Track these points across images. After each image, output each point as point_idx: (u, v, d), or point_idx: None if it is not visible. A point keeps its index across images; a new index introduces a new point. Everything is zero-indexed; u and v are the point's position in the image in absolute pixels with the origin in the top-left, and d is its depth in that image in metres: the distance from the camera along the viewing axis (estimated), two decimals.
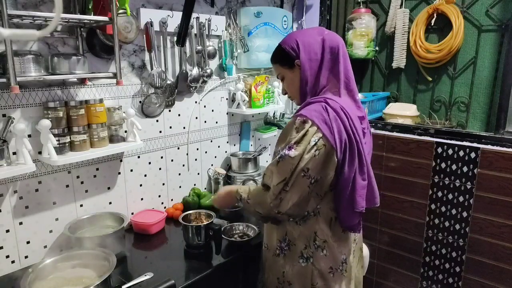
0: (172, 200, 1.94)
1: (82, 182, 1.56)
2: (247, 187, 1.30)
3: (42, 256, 1.46)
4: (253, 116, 2.29)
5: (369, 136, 1.31)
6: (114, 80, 1.39)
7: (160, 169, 1.85)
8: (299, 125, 1.13)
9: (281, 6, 2.29)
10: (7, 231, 1.37)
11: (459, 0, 2.17)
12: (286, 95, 1.35)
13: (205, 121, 2.02)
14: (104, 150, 1.48)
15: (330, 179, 1.15)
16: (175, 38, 1.73)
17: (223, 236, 1.58)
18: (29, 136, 1.37)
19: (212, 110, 2.05)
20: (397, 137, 2.10)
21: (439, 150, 1.96)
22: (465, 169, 1.89)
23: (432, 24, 2.23)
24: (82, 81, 1.49)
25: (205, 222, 1.57)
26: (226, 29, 2.00)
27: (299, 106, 1.25)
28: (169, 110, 1.84)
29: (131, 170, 1.73)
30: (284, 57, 1.25)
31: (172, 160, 1.90)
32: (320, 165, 1.11)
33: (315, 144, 1.09)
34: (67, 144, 1.40)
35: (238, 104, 2.08)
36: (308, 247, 1.23)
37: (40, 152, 1.38)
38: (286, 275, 1.27)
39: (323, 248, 1.22)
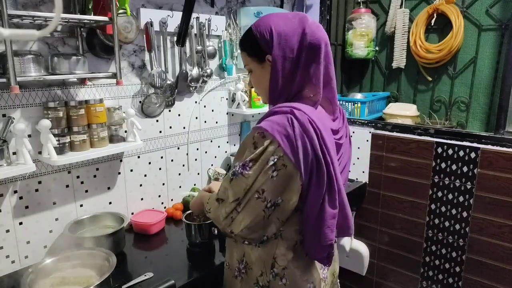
0: (172, 200, 1.94)
1: (82, 182, 1.56)
2: (213, 194, 1.10)
3: (42, 256, 1.46)
4: (253, 116, 2.29)
5: (348, 144, 1.14)
6: (114, 80, 1.39)
7: (160, 169, 1.85)
8: (258, 139, 0.95)
9: (281, 6, 2.29)
10: (7, 231, 1.37)
11: (459, 0, 2.17)
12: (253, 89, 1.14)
13: (205, 121, 2.02)
14: (104, 150, 1.48)
15: (294, 204, 0.97)
16: (175, 38, 1.73)
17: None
18: (29, 136, 1.37)
19: (212, 110, 2.05)
20: (397, 137, 2.10)
21: (439, 150, 1.96)
22: (465, 169, 1.89)
23: (432, 24, 2.24)
24: (82, 81, 1.49)
25: (208, 221, 1.56)
26: (226, 29, 2.00)
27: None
28: (169, 110, 1.84)
29: (131, 170, 1.73)
30: (253, 46, 1.04)
31: (172, 160, 1.90)
32: (278, 188, 0.94)
33: (274, 164, 0.92)
34: (67, 144, 1.40)
35: (238, 104, 2.08)
36: (264, 274, 1.05)
37: (40, 152, 1.38)
38: None
39: (282, 277, 1.03)
